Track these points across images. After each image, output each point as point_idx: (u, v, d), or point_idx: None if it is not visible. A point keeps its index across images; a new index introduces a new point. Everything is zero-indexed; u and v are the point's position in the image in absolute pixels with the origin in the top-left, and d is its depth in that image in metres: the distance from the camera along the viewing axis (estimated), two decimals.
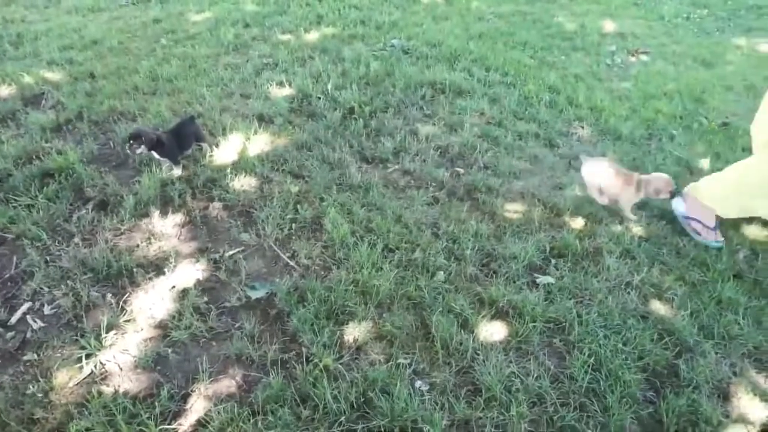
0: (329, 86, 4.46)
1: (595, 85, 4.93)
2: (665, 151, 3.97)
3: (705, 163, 3.84)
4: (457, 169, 3.65)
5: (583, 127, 4.26)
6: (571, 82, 4.94)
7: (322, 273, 2.73)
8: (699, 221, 3.14)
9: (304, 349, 2.31)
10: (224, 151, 3.56)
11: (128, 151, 3.17)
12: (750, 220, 3.27)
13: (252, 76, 4.63)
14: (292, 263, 2.78)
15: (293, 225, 3.00)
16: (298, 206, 3.11)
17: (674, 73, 5.25)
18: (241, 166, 3.43)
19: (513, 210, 3.27)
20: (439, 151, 3.80)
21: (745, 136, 4.23)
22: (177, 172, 3.30)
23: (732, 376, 2.31)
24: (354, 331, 2.40)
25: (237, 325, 2.44)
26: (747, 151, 4.06)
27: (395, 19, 6.06)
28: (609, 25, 6.34)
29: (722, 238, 3.12)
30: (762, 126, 2.96)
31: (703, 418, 2.11)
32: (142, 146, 3.11)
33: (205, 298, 2.55)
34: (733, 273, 2.86)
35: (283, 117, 4.04)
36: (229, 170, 3.34)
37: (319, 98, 4.29)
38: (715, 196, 3.15)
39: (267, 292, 2.60)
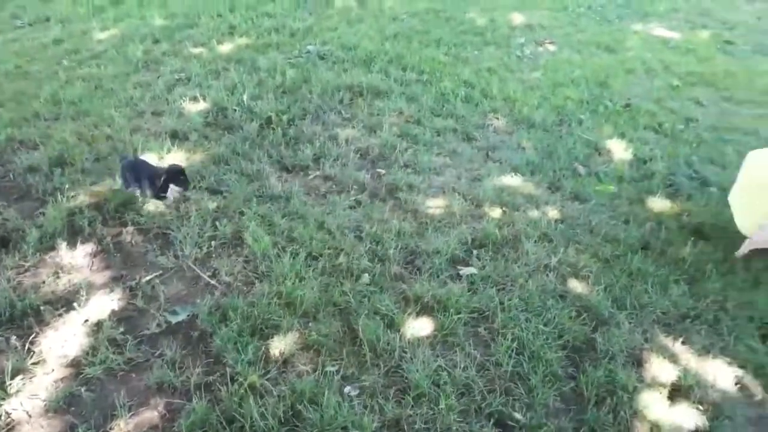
0: (245, 97, 4.38)
1: (507, 76, 5.09)
2: (574, 135, 4.15)
3: (611, 143, 4.04)
4: (378, 170, 3.67)
5: (498, 119, 4.38)
6: (484, 75, 5.07)
7: (245, 288, 2.67)
8: None
9: (228, 369, 2.25)
10: None
11: (169, 197, 3.16)
12: (653, 192, 3.47)
13: (164, 93, 4.48)
14: (213, 282, 2.71)
15: (213, 242, 2.92)
16: (217, 223, 3.03)
17: (580, 61, 5.49)
18: None
19: (434, 205, 3.32)
20: (360, 153, 3.81)
21: (645, 116, 4.49)
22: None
23: (644, 342, 2.44)
24: (280, 345, 2.37)
25: (157, 352, 2.35)
26: (649, 128, 4.32)
27: (309, 25, 6.03)
28: (517, 18, 6.56)
29: None
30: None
31: (619, 386, 2.21)
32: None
33: (122, 329, 2.44)
34: (642, 245, 3.02)
35: (198, 132, 3.93)
36: None
37: (235, 110, 4.21)
38: None
39: (188, 315, 2.52)
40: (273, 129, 4.00)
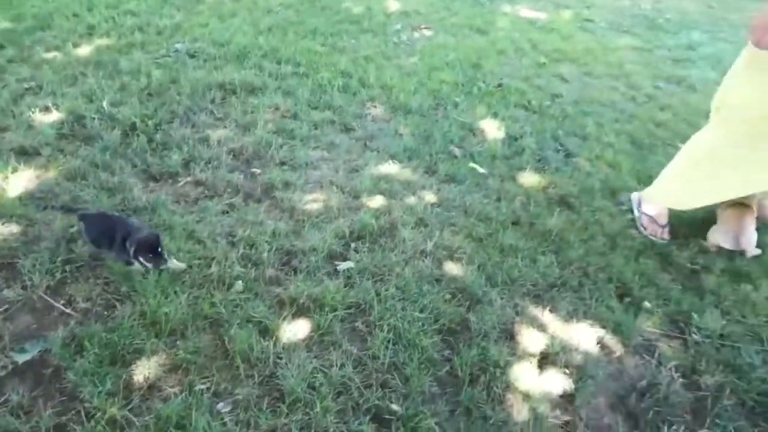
0: (104, 104, 4.05)
1: (384, 64, 5.10)
2: (450, 118, 4.23)
3: (484, 123, 4.16)
4: (253, 169, 3.53)
5: (376, 107, 4.37)
6: (362, 64, 5.04)
7: (105, 313, 2.46)
8: (650, 217, 3.13)
9: (85, 405, 2.06)
10: None
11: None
12: (523, 168, 3.62)
13: (9, 105, 4.03)
14: (68, 311, 2.47)
15: (67, 267, 2.67)
16: (72, 245, 2.78)
17: (454, 44, 5.62)
18: None
19: (312, 201, 3.24)
20: (233, 154, 3.65)
21: (516, 94, 4.67)
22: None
23: (515, 316, 2.52)
24: (143, 370, 2.20)
25: (2, 399, 2.11)
26: (519, 106, 4.49)
27: (178, 21, 5.70)
28: (393, 5, 6.59)
29: (668, 236, 3.09)
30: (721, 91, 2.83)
31: (492, 363, 2.27)
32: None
33: None
34: (512, 221, 3.13)
35: (52, 146, 3.58)
36: None
37: (94, 119, 3.88)
38: (672, 191, 3.08)
39: (39, 351, 2.28)
40: (138, 136, 3.73)
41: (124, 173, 3.36)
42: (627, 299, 2.67)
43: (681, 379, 2.29)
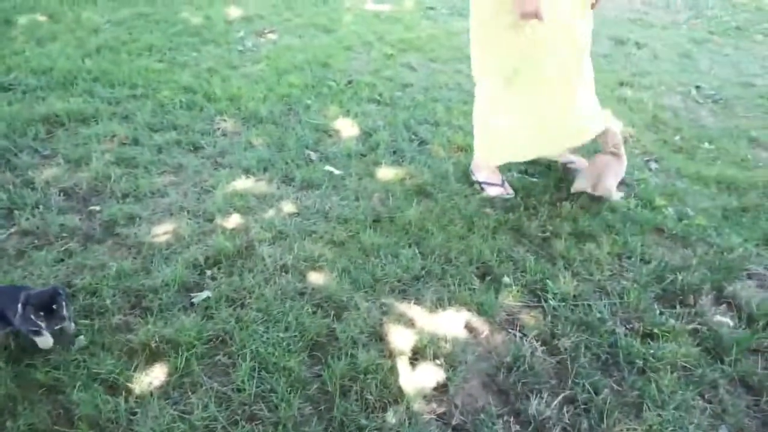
0: None
1: (230, 74, 4.87)
2: (303, 122, 4.13)
3: (338, 123, 4.11)
4: (91, 207, 3.19)
5: (225, 120, 4.16)
6: (205, 77, 4.78)
7: None
8: (486, 181, 3.39)
9: None
10: None
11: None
12: (379, 163, 3.61)
13: None
14: None
15: None
16: None
17: (301, 45, 5.52)
18: None
19: (161, 232, 2.99)
20: (65, 194, 3.28)
21: (366, 89, 4.68)
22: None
23: (382, 316, 2.49)
24: None
25: None
26: (371, 101, 4.50)
27: None
28: (234, 12, 6.34)
29: (511, 190, 3.35)
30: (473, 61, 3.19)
31: (362, 370, 2.22)
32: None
33: None
34: (373, 219, 3.11)
35: None
36: None
37: None
38: (481, 147, 3.36)
39: None
40: None
41: None
42: (488, 278, 2.74)
43: (542, 347, 2.39)
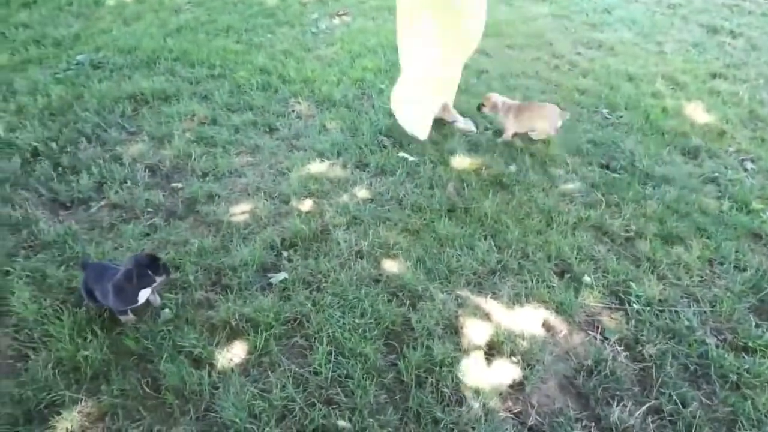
0: (0, 130, 3.70)
1: (304, 56, 4.91)
2: (376, 106, 4.10)
3: None
4: (174, 184, 3.31)
5: (299, 103, 4.20)
6: (280, 59, 4.84)
7: (18, 365, 2.23)
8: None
9: None
10: None
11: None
12: (455, 151, 3.55)
13: None
14: None
15: None
16: None
17: (374, 28, 5.47)
18: None
19: (239, 212, 3.07)
20: (150, 170, 3.42)
21: None
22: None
23: (458, 308, 2.46)
24: (65, 423, 2.01)
25: None
26: None
27: (77, 30, 5.29)
28: None
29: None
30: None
31: (438, 362, 2.20)
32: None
33: None
34: (447, 208, 3.06)
35: None
36: None
37: None
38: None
39: None
40: (41, 161, 3.43)
41: (28, 204, 3.08)
42: (567, 276, 2.65)
43: (625, 352, 2.30)
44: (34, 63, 4.70)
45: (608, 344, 2.33)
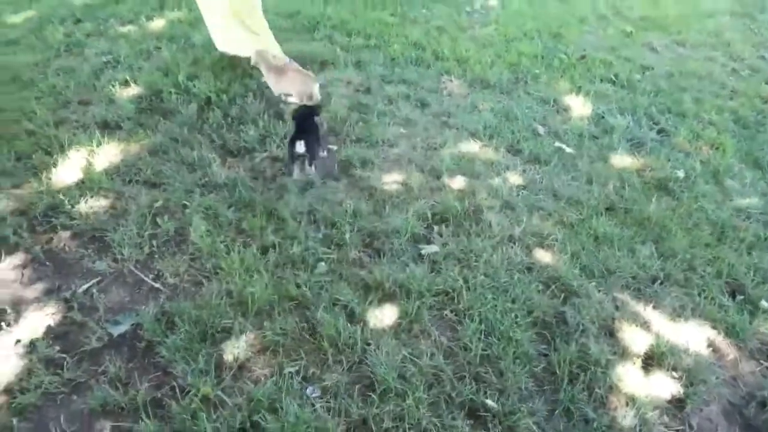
0: (180, 78, 4.05)
1: (458, 35, 4.88)
2: (531, 92, 4.00)
3: (568, 99, 3.91)
4: (330, 146, 3.45)
5: (452, 80, 4.19)
6: (434, 35, 4.84)
7: (193, 290, 2.46)
8: None
9: (178, 382, 2.07)
10: (65, 171, 3.11)
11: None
12: (614, 148, 3.37)
13: (91, 79, 4.10)
14: (157, 285, 2.49)
15: (154, 242, 2.69)
16: (158, 219, 2.79)
17: (531, 12, 5.31)
18: (86, 185, 3.02)
19: (391, 181, 3.14)
20: None
21: (601, 66, 4.36)
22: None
23: (615, 311, 2.36)
24: (233, 349, 2.19)
25: (100, 369, 2.14)
26: (605, 80, 4.20)
27: None
28: None
29: None
30: None
31: (592, 361, 2.13)
32: None
33: (59, 347, 2.21)
34: (606, 206, 2.93)
35: (132, 120, 3.62)
36: (72, 193, 2.93)
37: (171, 93, 3.89)
38: None
39: (131, 324, 2.31)
40: (213, 110, 3.71)
41: (203, 148, 3.35)
42: (740, 297, 2.44)
43: None
44: None
45: None
